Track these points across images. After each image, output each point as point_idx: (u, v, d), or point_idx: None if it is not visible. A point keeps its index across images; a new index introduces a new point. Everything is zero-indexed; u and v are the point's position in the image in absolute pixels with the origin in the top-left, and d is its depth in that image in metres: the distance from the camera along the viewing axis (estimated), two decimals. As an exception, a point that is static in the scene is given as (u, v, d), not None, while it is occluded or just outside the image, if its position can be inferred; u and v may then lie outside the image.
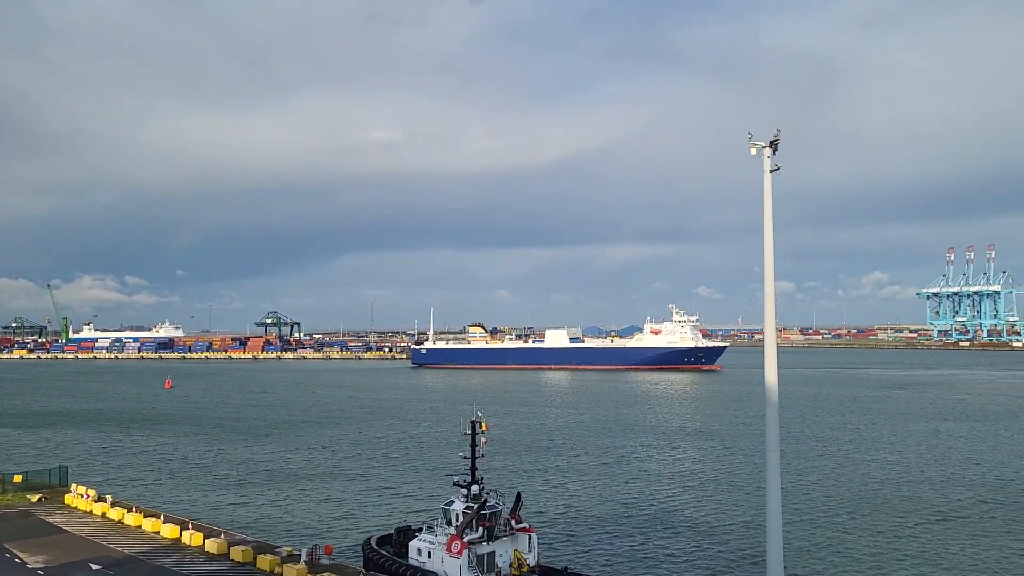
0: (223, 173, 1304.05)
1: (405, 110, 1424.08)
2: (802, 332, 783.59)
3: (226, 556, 61.32)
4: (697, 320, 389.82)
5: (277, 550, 61.80)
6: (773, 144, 46.45)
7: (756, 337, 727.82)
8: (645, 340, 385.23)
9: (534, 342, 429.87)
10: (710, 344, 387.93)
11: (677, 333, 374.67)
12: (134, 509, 74.97)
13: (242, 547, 61.20)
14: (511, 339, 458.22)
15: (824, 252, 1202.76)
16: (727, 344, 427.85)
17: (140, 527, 70.26)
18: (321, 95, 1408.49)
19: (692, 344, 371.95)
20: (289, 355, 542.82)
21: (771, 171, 46.59)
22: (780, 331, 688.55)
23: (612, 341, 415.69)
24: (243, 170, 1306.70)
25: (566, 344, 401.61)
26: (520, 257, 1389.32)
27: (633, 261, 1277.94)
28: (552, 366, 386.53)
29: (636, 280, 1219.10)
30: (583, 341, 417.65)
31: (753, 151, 46.68)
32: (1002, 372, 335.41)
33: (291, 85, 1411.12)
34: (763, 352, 47.76)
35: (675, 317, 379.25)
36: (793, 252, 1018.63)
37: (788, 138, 46.14)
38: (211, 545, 62.73)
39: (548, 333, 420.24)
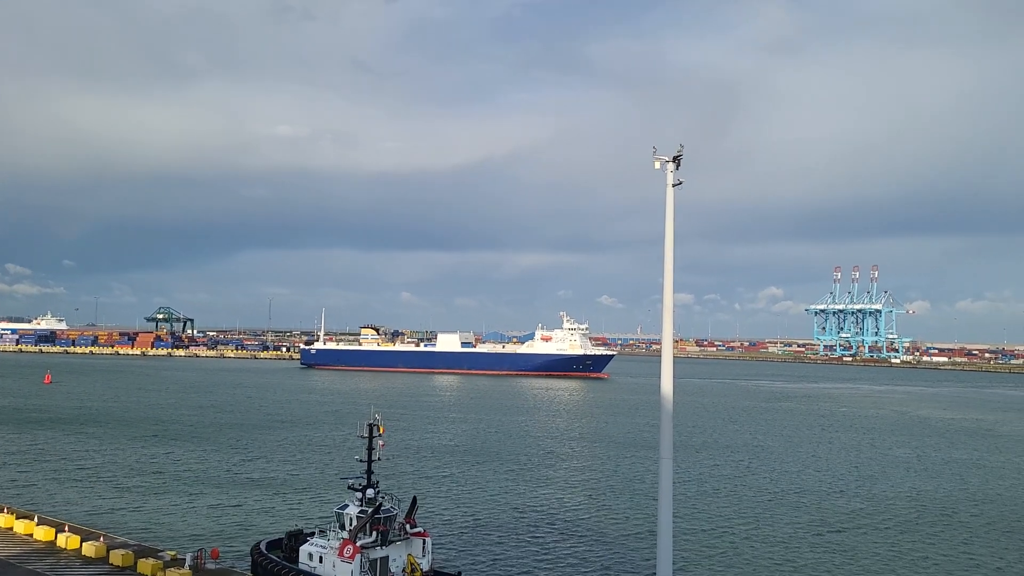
0: (114, 161, 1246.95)
1: (312, 106, 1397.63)
2: (698, 343, 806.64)
3: (105, 560, 58.72)
4: (587, 328, 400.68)
5: (160, 554, 59.56)
6: (676, 159, 47.56)
7: (654, 347, 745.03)
8: (536, 347, 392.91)
9: (426, 346, 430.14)
10: (598, 352, 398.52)
11: (567, 340, 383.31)
12: (5, 510, 70.96)
13: (122, 551, 58.71)
14: (404, 342, 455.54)
15: (723, 267, 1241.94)
16: (615, 353, 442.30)
17: (11, 529, 66.57)
18: (223, 86, 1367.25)
19: (581, 352, 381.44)
20: (181, 352, 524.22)
21: (673, 185, 47.70)
22: (677, 342, 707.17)
23: (504, 347, 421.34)
24: (136, 159, 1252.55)
25: (458, 348, 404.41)
26: (424, 260, 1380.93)
27: (538, 268, 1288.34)
28: (443, 370, 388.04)
29: (541, 287, 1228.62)
30: (475, 345, 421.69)
31: (657, 165, 47.68)
32: (881, 387, 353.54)
33: (190, 73, 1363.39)
34: (659, 362, 48.81)
35: (566, 325, 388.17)
36: (693, 265, 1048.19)
37: (691, 154, 47.29)
38: (88, 548, 59.95)
39: (440, 337, 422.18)
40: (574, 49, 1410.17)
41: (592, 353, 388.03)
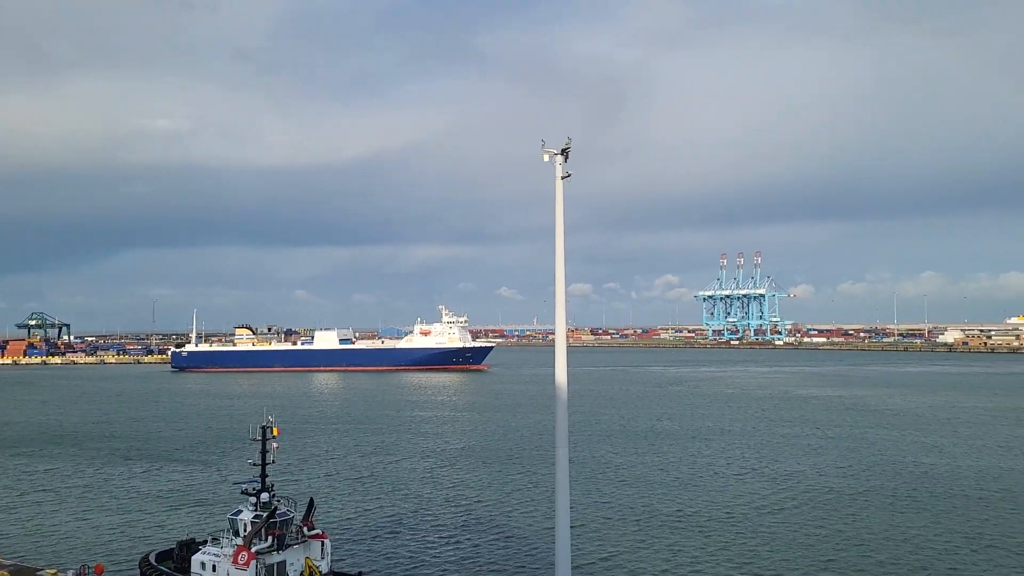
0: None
1: (194, 98, 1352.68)
2: (592, 332, 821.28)
3: (-23, 584, 55.26)
4: (466, 321, 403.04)
5: (39, 573, 56.50)
6: (564, 152, 48.07)
7: (550, 337, 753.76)
8: (415, 341, 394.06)
9: (302, 343, 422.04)
10: (477, 344, 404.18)
11: (446, 334, 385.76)
12: None
13: (-3, 573, 55.42)
14: (294, 341, 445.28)
15: (620, 256, 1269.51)
16: (494, 345, 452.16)
17: None
18: (98, 78, 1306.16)
19: (460, 345, 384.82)
20: (57, 360, 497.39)
21: (563, 177, 48.20)
22: (572, 331, 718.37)
23: (383, 343, 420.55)
24: (3, 155, 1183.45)
25: (335, 345, 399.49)
26: (319, 256, 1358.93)
27: (435, 260, 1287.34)
28: (321, 368, 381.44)
29: (440, 280, 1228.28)
30: (354, 342, 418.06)
31: (546, 158, 48.09)
32: (766, 368, 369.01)
33: (62, 65, 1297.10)
34: (552, 352, 49.33)
35: (444, 318, 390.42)
36: (592, 256, 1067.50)
37: (582, 145, 47.98)
38: (-41, 573, 56.30)
39: (317, 335, 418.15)
40: (465, 40, 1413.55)
41: (471, 345, 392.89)
